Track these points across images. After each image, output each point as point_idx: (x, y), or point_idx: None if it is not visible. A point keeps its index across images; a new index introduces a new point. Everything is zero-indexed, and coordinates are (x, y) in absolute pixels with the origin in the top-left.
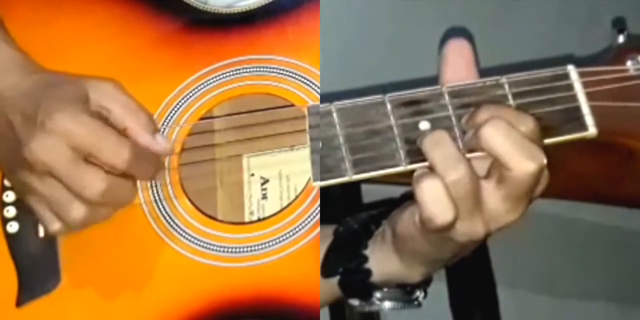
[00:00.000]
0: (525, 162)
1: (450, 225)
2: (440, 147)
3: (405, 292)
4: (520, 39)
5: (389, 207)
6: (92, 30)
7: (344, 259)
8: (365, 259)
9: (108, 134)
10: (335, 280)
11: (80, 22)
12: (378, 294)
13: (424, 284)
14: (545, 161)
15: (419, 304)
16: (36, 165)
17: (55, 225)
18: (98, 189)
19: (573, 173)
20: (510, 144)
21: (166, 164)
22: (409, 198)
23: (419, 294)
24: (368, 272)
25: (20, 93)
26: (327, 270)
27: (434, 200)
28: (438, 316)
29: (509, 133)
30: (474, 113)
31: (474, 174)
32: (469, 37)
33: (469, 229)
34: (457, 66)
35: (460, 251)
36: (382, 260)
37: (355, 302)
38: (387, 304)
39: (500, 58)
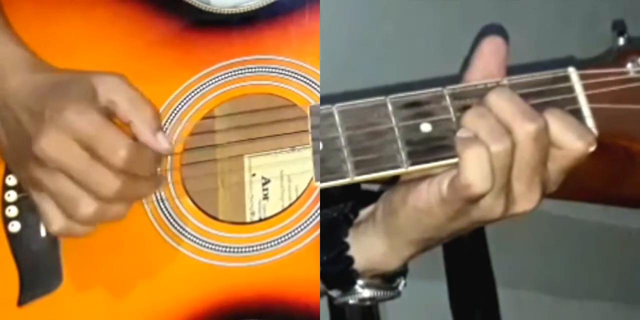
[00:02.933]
0: (527, 124)
1: (482, 197)
2: (485, 119)
3: (385, 280)
4: (520, 40)
5: (366, 198)
6: (95, 29)
7: (325, 248)
8: (346, 246)
9: (110, 131)
10: None
11: (83, 21)
12: (360, 282)
13: (403, 272)
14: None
15: (399, 293)
16: (48, 161)
17: (56, 225)
18: (114, 187)
19: (574, 174)
20: (514, 106)
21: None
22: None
23: (399, 281)
24: (350, 260)
25: (28, 91)
26: None
27: (479, 167)
28: (438, 316)
29: (511, 96)
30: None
31: (512, 150)
32: (506, 37)
33: (490, 207)
34: (491, 62)
35: (460, 231)
36: (366, 246)
37: (335, 293)
38: (367, 293)
39: None
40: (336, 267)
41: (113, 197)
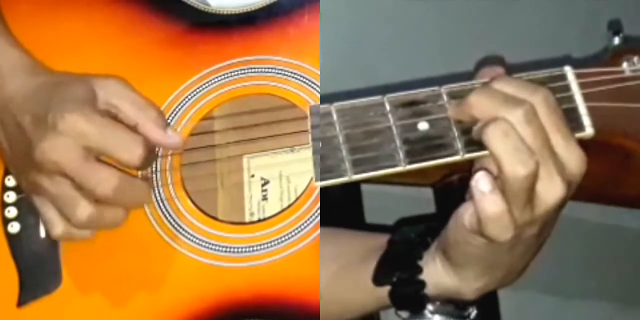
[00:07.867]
0: (516, 166)
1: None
2: (509, 139)
3: (457, 308)
4: (518, 39)
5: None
6: (94, 30)
7: (398, 269)
8: (419, 269)
9: (121, 132)
10: (384, 290)
11: (81, 22)
12: (430, 307)
13: (477, 302)
14: (533, 168)
15: None
16: (47, 164)
17: (57, 229)
18: (111, 185)
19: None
20: (506, 147)
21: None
22: None
23: (471, 311)
24: (422, 284)
25: (28, 95)
26: (379, 278)
27: (499, 222)
28: None
29: (507, 134)
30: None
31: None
32: (505, 66)
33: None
34: None
35: (523, 256)
36: (436, 273)
37: (404, 314)
38: (438, 318)
39: None
40: (407, 290)
41: (111, 196)
